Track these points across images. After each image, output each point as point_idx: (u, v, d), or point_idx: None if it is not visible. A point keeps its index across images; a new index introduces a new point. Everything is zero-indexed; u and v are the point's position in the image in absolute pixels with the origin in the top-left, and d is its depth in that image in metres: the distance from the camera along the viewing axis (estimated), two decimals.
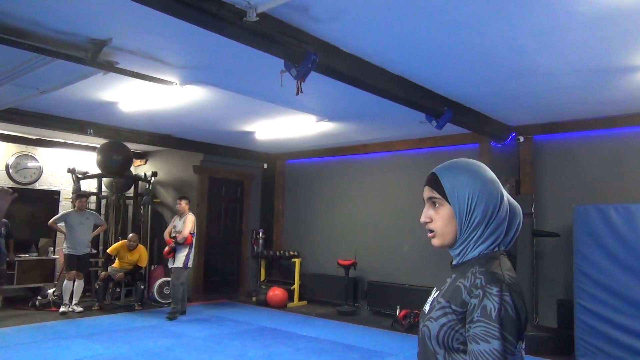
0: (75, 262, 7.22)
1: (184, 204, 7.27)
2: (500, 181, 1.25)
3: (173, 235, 7.16)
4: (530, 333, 5.62)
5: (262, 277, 9.13)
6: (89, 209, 7.91)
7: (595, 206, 5.29)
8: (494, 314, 1.06)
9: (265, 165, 9.69)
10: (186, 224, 7.08)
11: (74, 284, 7.24)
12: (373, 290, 7.78)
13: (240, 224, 9.42)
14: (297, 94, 3.69)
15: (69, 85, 4.94)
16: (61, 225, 7.40)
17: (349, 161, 8.61)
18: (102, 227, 7.90)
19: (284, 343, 5.86)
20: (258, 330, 6.49)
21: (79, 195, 7.67)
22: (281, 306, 8.19)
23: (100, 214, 8.63)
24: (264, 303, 8.29)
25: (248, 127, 7.17)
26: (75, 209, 7.48)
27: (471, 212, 1.17)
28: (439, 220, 1.22)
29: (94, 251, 8.36)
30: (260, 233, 9.24)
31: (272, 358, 5.22)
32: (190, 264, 7.18)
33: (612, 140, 5.97)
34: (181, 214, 7.25)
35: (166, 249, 7.17)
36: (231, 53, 4.02)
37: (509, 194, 1.27)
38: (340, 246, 8.36)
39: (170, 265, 7.15)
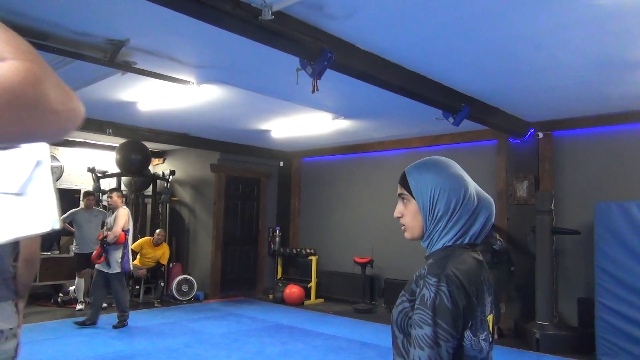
0: (85, 261, 7.19)
1: (115, 197, 6.33)
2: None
3: (106, 234, 6.20)
4: (550, 332, 5.55)
5: (279, 275, 9.17)
6: (97, 208, 7.77)
7: (617, 203, 5.19)
8: (428, 302, 1.13)
9: (282, 164, 9.72)
10: (117, 220, 6.12)
11: (90, 281, 7.34)
12: (390, 288, 7.75)
13: (257, 221, 9.47)
14: (313, 91, 3.69)
15: (88, 86, 5.01)
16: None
17: (365, 159, 8.59)
18: None
19: (301, 340, 5.88)
20: (275, 328, 6.52)
21: (87, 193, 7.68)
22: (298, 304, 8.22)
23: None
24: (281, 300, 8.33)
25: (264, 126, 7.20)
26: (83, 207, 7.50)
27: (434, 206, 1.25)
28: (407, 215, 1.31)
29: None
30: (277, 231, 9.28)
31: (289, 355, 5.25)
32: (130, 266, 6.45)
33: (634, 136, 5.84)
34: (113, 209, 6.32)
35: (95, 252, 6.21)
36: (247, 52, 4.04)
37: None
38: (357, 244, 8.35)
39: (105, 270, 6.16)
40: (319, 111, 6.17)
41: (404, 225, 1.34)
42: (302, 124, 6.95)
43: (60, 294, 7.66)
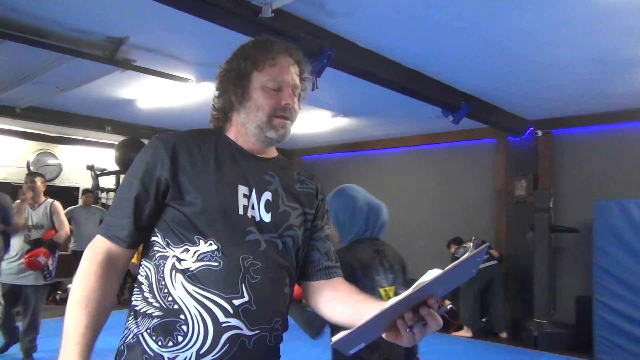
0: None
1: (39, 183, 4.44)
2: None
3: (40, 235, 4.41)
4: (548, 330, 5.57)
5: None
6: (95, 205, 7.73)
7: (615, 201, 5.20)
8: None
9: None
10: (62, 218, 4.55)
11: None
12: None
13: None
14: (313, 89, 3.69)
15: (87, 83, 5.01)
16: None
17: (365, 156, 8.59)
18: None
19: (301, 338, 5.87)
20: None
21: (86, 191, 7.69)
22: (298, 301, 8.21)
23: None
24: None
25: None
26: (82, 204, 7.47)
27: (336, 219, 1.84)
28: (331, 228, 1.78)
29: None
30: None
31: (289, 353, 5.22)
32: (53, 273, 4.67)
33: (633, 134, 5.85)
34: (35, 200, 4.43)
35: (40, 259, 4.27)
36: None
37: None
38: None
39: (33, 282, 4.43)
40: (318, 109, 6.17)
41: None
42: (302, 122, 6.94)
43: (59, 292, 7.65)
